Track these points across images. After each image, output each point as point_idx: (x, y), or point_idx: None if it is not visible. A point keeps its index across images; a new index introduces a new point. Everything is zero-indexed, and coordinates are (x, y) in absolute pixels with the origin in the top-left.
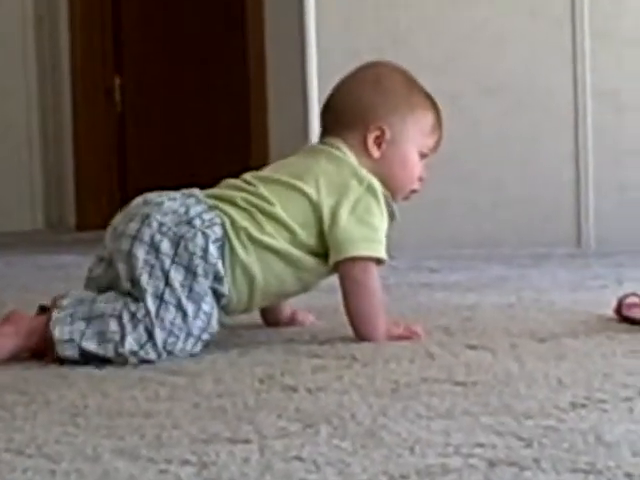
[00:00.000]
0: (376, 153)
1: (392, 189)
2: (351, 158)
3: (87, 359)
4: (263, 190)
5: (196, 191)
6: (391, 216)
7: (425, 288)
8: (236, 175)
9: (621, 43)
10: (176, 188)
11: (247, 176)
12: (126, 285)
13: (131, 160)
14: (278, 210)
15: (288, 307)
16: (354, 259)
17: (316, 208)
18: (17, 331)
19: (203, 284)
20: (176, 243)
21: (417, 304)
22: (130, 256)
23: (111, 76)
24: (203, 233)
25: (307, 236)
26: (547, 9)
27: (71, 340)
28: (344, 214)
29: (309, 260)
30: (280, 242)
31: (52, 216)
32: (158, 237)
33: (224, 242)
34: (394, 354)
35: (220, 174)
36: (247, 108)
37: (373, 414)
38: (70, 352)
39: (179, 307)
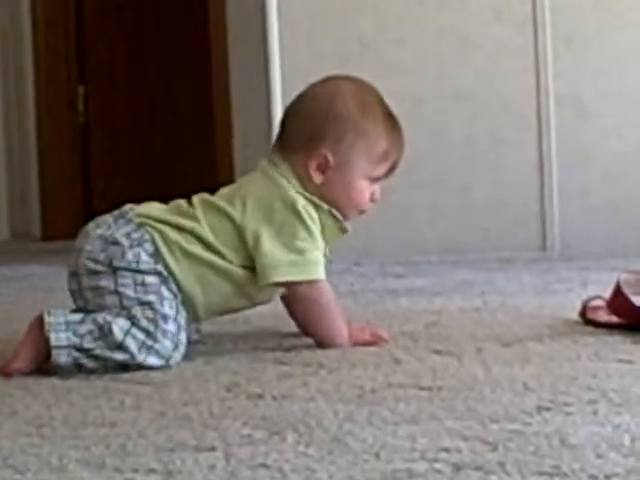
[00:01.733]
0: (318, 179)
1: (339, 211)
2: (284, 180)
3: (80, 368)
4: (201, 217)
5: (128, 211)
6: (342, 230)
7: (391, 294)
8: (202, 184)
9: (583, 47)
10: (141, 198)
11: (195, 199)
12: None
13: (95, 169)
14: (209, 235)
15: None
16: (289, 283)
17: (240, 231)
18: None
19: (153, 281)
20: (108, 264)
21: (383, 310)
22: (81, 291)
23: (74, 85)
24: (131, 248)
25: (239, 258)
26: (511, 13)
27: (67, 347)
28: (267, 239)
29: (247, 274)
30: (214, 258)
31: (17, 227)
32: (91, 265)
33: (157, 259)
34: (360, 360)
35: (186, 183)
36: (211, 116)
37: (339, 420)
38: (64, 359)
39: (141, 303)
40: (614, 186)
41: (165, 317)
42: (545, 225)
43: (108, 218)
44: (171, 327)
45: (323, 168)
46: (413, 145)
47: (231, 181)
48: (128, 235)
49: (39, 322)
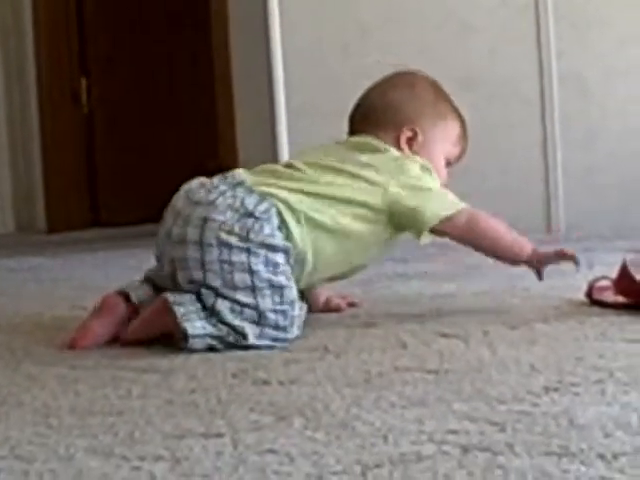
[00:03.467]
0: (407, 150)
1: None
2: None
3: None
4: (317, 176)
5: (241, 176)
6: None
7: (400, 278)
8: (206, 172)
9: (586, 27)
10: (146, 188)
11: (299, 164)
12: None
13: (100, 161)
14: (334, 191)
15: (324, 293)
16: (444, 221)
17: (385, 193)
18: (113, 321)
19: (281, 261)
20: (245, 237)
21: (392, 293)
22: (204, 263)
23: (77, 77)
24: (267, 221)
25: (372, 214)
26: None
27: (203, 335)
28: (413, 191)
29: (376, 234)
30: (338, 219)
31: (22, 219)
32: (224, 236)
33: (285, 233)
34: (366, 344)
35: (190, 173)
36: (214, 105)
37: (346, 405)
38: (200, 345)
39: (272, 286)
40: (618, 166)
41: (292, 303)
42: (550, 206)
43: (220, 185)
44: (296, 311)
45: (411, 143)
46: None
47: (233, 167)
48: (257, 206)
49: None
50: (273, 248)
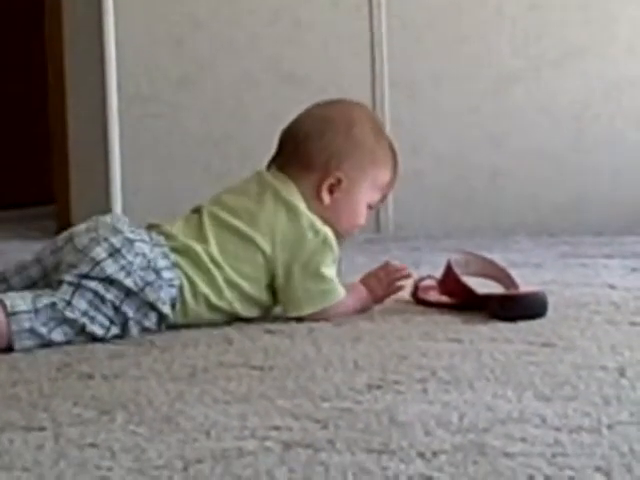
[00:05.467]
0: (327, 200)
1: (335, 232)
2: (301, 203)
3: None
4: (215, 250)
5: (162, 240)
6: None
7: None
8: (34, 180)
9: (417, 30)
10: None
11: (205, 217)
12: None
13: None
14: (231, 274)
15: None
16: (318, 313)
17: (269, 263)
18: None
19: (152, 319)
20: (140, 288)
21: None
22: (82, 276)
23: None
24: (169, 286)
25: (256, 291)
26: None
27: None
28: (298, 270)
29: (258, 308)
30: (234, 305)
31: None
32: (122, 275)
33: (177, 302)
34: (192, 339)
35: (20, 183)
36: (46, 98)
37: (170, 399)
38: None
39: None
40: (445, 168)
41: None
42: (379, 206)
43: (145, 237)
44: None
45: (333, 190)
46: (250, 128)
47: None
48: (165, 270)
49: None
50: (155, 309)
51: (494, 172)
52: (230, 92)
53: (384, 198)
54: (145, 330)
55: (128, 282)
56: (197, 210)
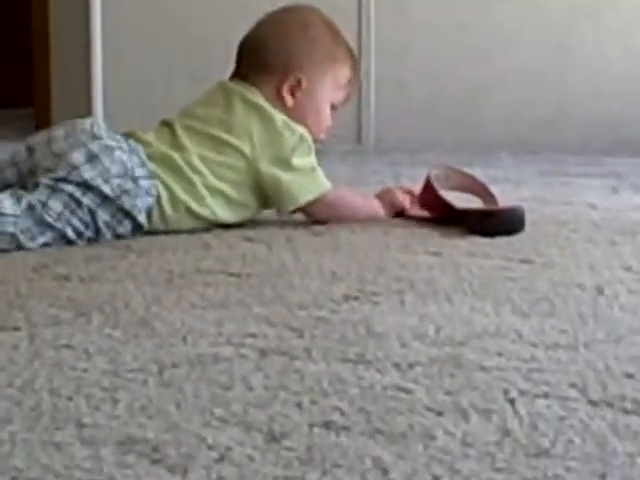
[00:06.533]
0: (290, 102)
1: None
2: (269, 105)
3: None
4: (194, 157)
5: (139, 149)
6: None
7: None
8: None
9: None
10: None
11: (178, 128)
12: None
13: None
14: (212, 180)
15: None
16: (310, 203)
17: (251, 165)
18: None
19: (126, 226)
20: (117, 195)
21: None
22: (57, 180)
23: None
24: (147, 195)
25: (240, 195)
26: None
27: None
28: (281, 167)
29: (243, 213)
30: (216, 212)
31: None
32: (99, 181)
33: (153, 211)
34: (170, 244)
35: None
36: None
37: (146, 303)
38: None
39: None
40: (429, 81)
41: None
42: (361, 117)
43: (123, 144)
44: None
45: (295, 91)
46: (233, 30)
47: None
48: (144, 179)
49: None
50: (130, 216)
51: (477, 87)
52: None
53: (347, 98)
54: (119, 237)
55: (105, 188)
56: (167, 123)
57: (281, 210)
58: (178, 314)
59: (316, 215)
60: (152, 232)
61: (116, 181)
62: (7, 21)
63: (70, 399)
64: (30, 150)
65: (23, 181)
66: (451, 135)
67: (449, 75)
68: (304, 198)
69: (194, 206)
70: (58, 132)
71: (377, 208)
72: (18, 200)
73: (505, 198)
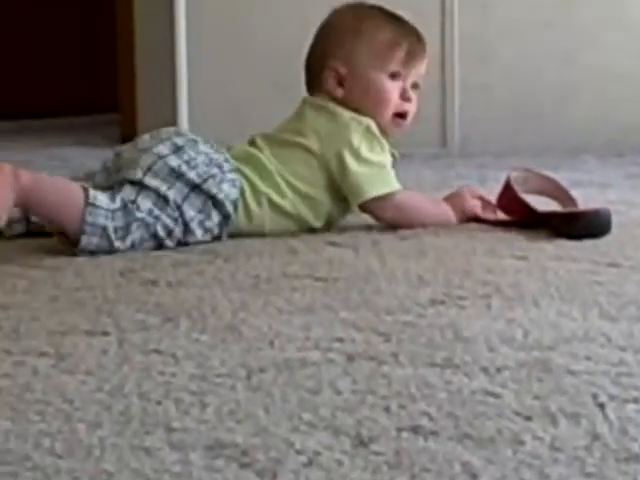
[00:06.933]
0: (339, 93)
1: (375, 121)
2: (337, 107)
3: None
4: (271, 156)
5: (223, 149)
6: (392, 157)
7: None
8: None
9: None
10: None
11: (258, 139)
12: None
13: None
14: (289, 176)
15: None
16: (377, 199)
17: (321, 160)
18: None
19: (214, 219)
20: (204, 179)
21: None
22: (145, 173)
23: None
24: (232, 185)
25: (316, 193)
26: None
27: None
28: (350, 159)
29: (322, 214)
30: (296, 205)
31: None
32: (184, 168)
33: (239, 203)
34: (256, 250)
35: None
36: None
37: (233, 309)
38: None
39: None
40: (515, 84)
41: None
42: (445, 121)
43: (207, 142)
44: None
45: (341, 81)
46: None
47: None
48: (225, 169)
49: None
50: (217, 206)
51: (563, 89)
52: (298, 6)
53: (410, 57)
54: (208, 232)
55: (191, 174)
56: (251, 138)
57: (352, 205)
58: (265, 319)
59: (382, 215)
60: (238, 235)
61: (202, 168)
62: (93, 28)
63: (159, 403)
64: (118, 155)
65: (110, 181)
66: (536, 138)
67: (534, 77)
68: (371, 193)
69: (275, 197)
70: (144, 136)
71: (448, 214)
72: (112, 197)
73: (591, 201)
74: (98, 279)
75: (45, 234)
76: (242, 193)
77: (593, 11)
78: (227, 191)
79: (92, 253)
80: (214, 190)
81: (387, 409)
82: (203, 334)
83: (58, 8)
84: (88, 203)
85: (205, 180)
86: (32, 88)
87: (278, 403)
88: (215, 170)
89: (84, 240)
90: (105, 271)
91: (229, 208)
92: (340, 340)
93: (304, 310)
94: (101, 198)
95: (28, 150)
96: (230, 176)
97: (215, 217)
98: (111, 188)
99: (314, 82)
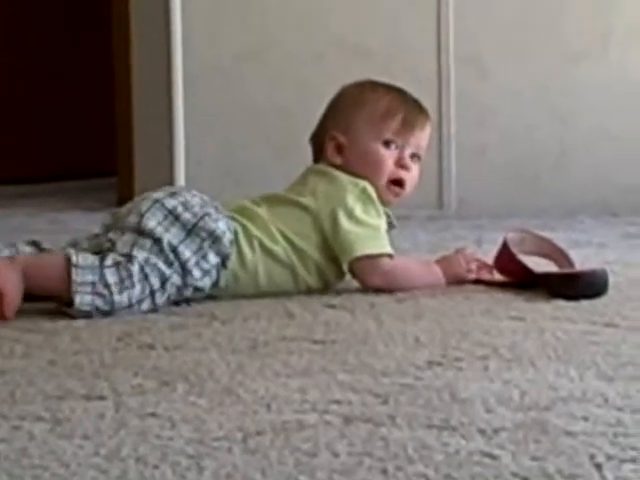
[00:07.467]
0: (338, 160)
1: (377, 193)
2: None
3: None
4: (267, 211)
5: (217, 202)
6: (390, 226)
7: None
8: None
9: (484, 6)
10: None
11: (257, 198)
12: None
13: None
14: (283, 228)
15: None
16: (367, 259)
17: (315, 217)
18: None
19: (211, 260)
20: (200, 217)
21: None
22: (142, 215)
23: None
24: (227, 228)
25: (308, 247)
26: None
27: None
28: (343, 218)
29: (315, 268)
30: (288, 253)
31: None
32: (180, 209)
33: (232, 252)
34: (253, 312)
35: (83, 154)
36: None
37: (230, 372)
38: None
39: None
40: (511, 146)
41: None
42: (442, 183)
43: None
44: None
45: (340, 149)
46: (315, 99)
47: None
48: (219, 210)
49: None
50: (213, 246)
51: (560, 151)
52: (295, 65)
53: (406, 125)
54: (206, 274)
55: (187, 215)
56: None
57: (343, 265)
58: (262, 382)
59: (370, 281)
60: (235, 296)
61: (197, 209)
62: (92, 90)
63: (156, 467)
64: (114, 213)
65: (106, 241)
66: (534, 199)
67: (530, 138)
68: (362, 251)
69: (267, 242)
70: (139, 197)
71: (437, 276)
72: (102, 257)
73: (589, 261)
74: (95, 343)
75: (43, 298)
76: (235, 235)
77: (586, 75)
78: (223, 228)
79: (90, 316)
80: (211, 226)
81: (384, 471)
82: (200, 397)
83: (58, 80)
84: (72, 265)
85: (201, 217)
86: (32, 154)
87: (275, 466)
88: (211, 209)
89: (78, 299)
90: (102, 335)
91: (227, 245)
92: (337, 402)
93: (301, 373)
94: (85, 256)
95: (28, 215)
96: (224, 220)
97: (212, 258)
98: (100, 252)
99: (319, 153)
